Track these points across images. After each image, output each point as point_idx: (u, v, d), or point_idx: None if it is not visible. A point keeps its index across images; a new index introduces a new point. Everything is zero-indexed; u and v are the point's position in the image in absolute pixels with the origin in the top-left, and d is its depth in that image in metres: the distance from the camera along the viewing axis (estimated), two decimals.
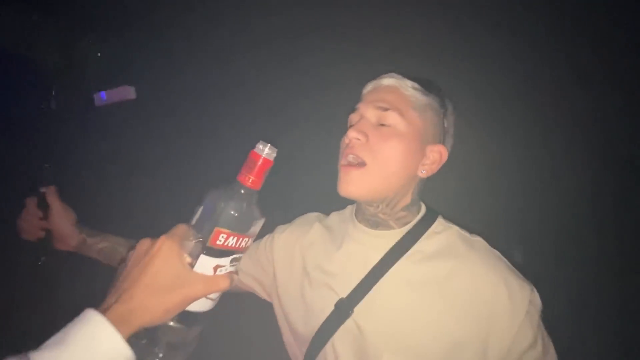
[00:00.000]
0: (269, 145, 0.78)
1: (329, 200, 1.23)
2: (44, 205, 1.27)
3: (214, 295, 0.78)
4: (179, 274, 0.70)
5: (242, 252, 0.78)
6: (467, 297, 1.05)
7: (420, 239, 1.13)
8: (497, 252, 1.14)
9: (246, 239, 0.77)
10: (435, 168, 1.14)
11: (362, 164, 1.06)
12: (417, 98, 1.10)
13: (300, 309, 1.21)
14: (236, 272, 0.80)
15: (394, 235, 1.15)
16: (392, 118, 1.07)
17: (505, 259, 1.13)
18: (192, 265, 0.73)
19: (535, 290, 1.07)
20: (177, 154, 2.66)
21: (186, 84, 2.57)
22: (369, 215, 1.16)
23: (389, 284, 1.11)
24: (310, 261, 1.24)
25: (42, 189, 1.27)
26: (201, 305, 0.77)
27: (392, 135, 1.06)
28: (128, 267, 0.71)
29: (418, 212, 1.19)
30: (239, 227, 0.75)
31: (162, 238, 0.72)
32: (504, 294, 1.03)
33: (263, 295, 1.38)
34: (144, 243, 0.73)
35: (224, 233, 0.73)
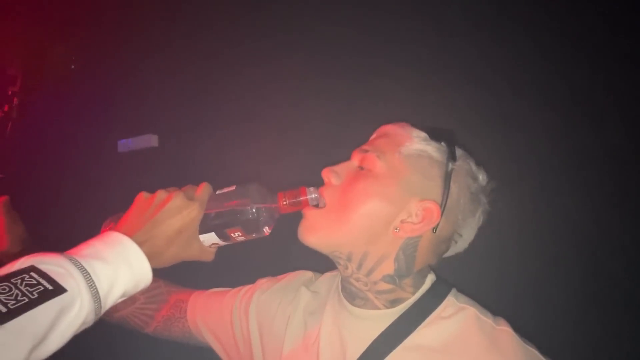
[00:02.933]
0: (318, 195, 0.89)
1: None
2: None
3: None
4: (192, 238, 0.82)
5: (234, 243, 0.89)
6: None
7: (419, 327, 0.86)
8: (536, 352, 0.81)
9: (246, 240, 0.88)
10: (418, 229, 0.87)
11: (323, 206, 0.92)
12: (410, 143, 0.92)
13: None
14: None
15: (380, 319, 0.90)
16: (369, 160, 0.91)
17: None
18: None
19: None
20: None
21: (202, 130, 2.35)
22: (344, 280, 0.95)
23: None
24: (288, 343, 1.00)
25: None
26: None
27: (363, 177, 0.90)
28: (160, 215, 0.78)
29: (418, 288, 0.92)
30: (251, 231, 0.85)
31: (197, 205, 0.80)
32: None
33: (223, 356, 1.16)
34: (179, 198, 0.79)
35: (240, 232, 0.84)
